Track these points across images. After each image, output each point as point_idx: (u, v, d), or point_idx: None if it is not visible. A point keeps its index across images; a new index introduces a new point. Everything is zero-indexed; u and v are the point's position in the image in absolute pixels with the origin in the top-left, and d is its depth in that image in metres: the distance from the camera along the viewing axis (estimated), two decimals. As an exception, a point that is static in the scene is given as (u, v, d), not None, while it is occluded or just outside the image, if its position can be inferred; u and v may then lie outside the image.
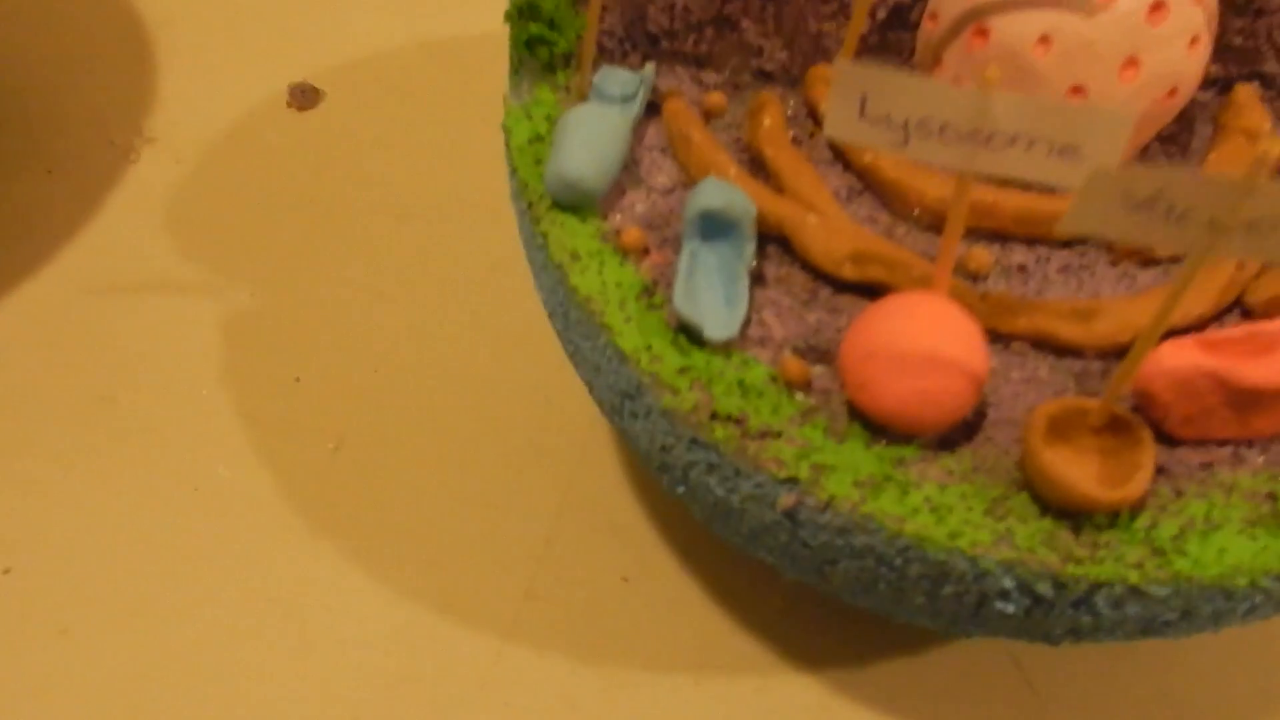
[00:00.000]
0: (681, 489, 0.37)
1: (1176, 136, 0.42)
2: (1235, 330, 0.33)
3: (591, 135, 0.37)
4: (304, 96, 0.66)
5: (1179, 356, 0.32)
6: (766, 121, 0.40)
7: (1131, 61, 0.36)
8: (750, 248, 0.36)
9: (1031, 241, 0.39)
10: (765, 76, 0.42)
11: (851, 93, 0.30)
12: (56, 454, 0.51)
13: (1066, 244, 0.39)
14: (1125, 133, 0.29)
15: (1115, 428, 0.33)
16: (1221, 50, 0.42)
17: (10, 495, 0.50)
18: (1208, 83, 0.43)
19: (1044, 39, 0.36)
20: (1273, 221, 0.24)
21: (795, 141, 0.41)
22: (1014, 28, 0.37)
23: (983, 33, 0.37)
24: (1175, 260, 0.39)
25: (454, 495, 0.50)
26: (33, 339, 0.55)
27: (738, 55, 0.42)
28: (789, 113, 0.42)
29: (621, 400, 0.37)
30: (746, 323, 0.36)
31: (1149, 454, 0.32)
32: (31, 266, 0.58)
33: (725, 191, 0.36)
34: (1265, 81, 0.43)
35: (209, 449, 0.52)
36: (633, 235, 0.36)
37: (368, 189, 0.61)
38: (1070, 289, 0.38)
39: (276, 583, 0.47)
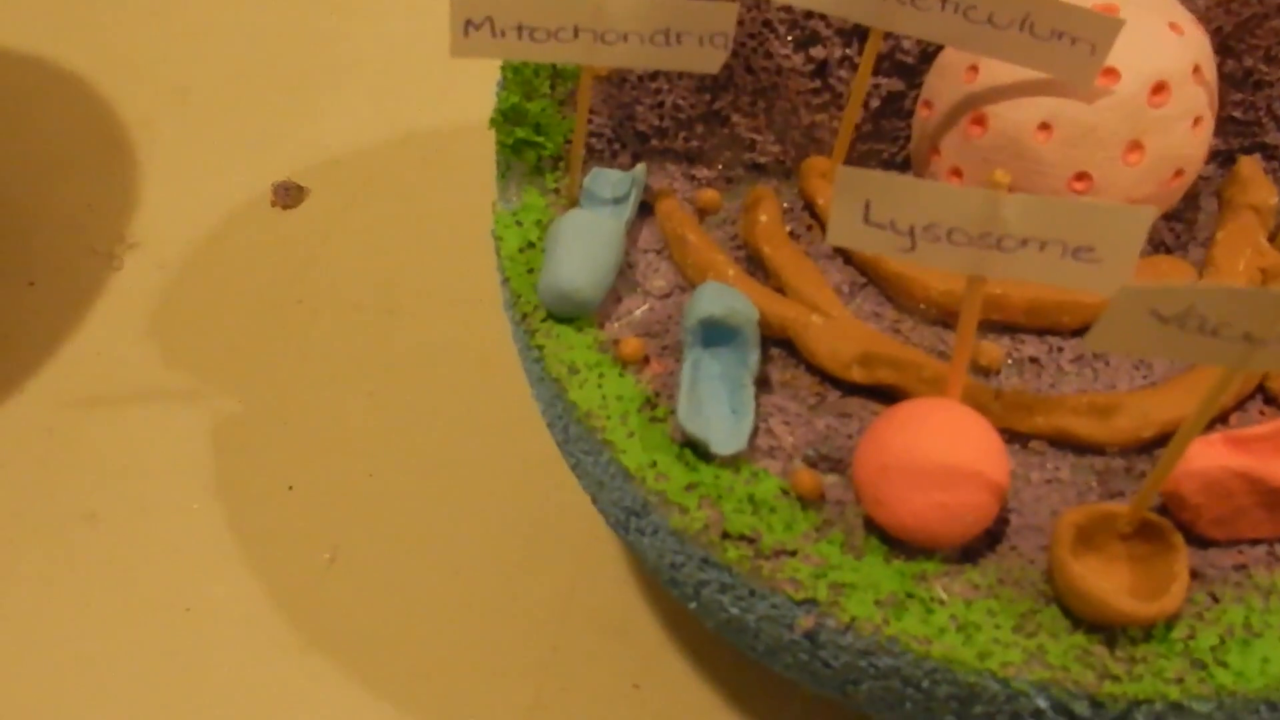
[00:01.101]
0: (694, 605, 0.36)
1: (1181, 213, 0.41)
2: (1263, 427, 0.31)
3: (585, 243, 0.36)
4: (288, 194, 0.65)
5: (1207, 457, 0.31)
6: (763, 218, 0.39)
7: (1135, 145, 0.36)
8: (754, 355, 0.35)
9: (1042, 332, 0.38)
10: (759, 169, 0.41)
11: (854, 198, 0.29)
12: (39, 576, 0.49)
13: (1077, 333, 0.38)
14: (1143, 231, 0.28)
15: (1145, 533, 0.31)
16: (1222, 123, 0.42)
17: (-9, 623, 0.48)
18: (1210, 156, 0.42)
19: (1044, 126, 0.36)
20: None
21: (793, 235, 0.40)
22: (1013, 115, 0.36)
23: (980, 120, 0.37)
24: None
25: (454, 602, 0.49)
26: (14, 456, 0.54)
27: (730, 150, 0.41)
28: (785, 206, 0.41)
29: (628, 516, 0.35)
30: (754, 433, 0.35)
31: (1183, 562, 0.30)
32: (14, 381, 0.57)
33: (725, 297, 0.34)
34: (1267, 153, 0.42)
35: (201, 566, 0.50)
36: (631, 345, 0.35)
37: (355, 285, 0.60)
38: (1085, 380, 0.37)
39: (274, 704, 0.46)
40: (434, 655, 0.47)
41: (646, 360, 0.36)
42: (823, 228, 0.40)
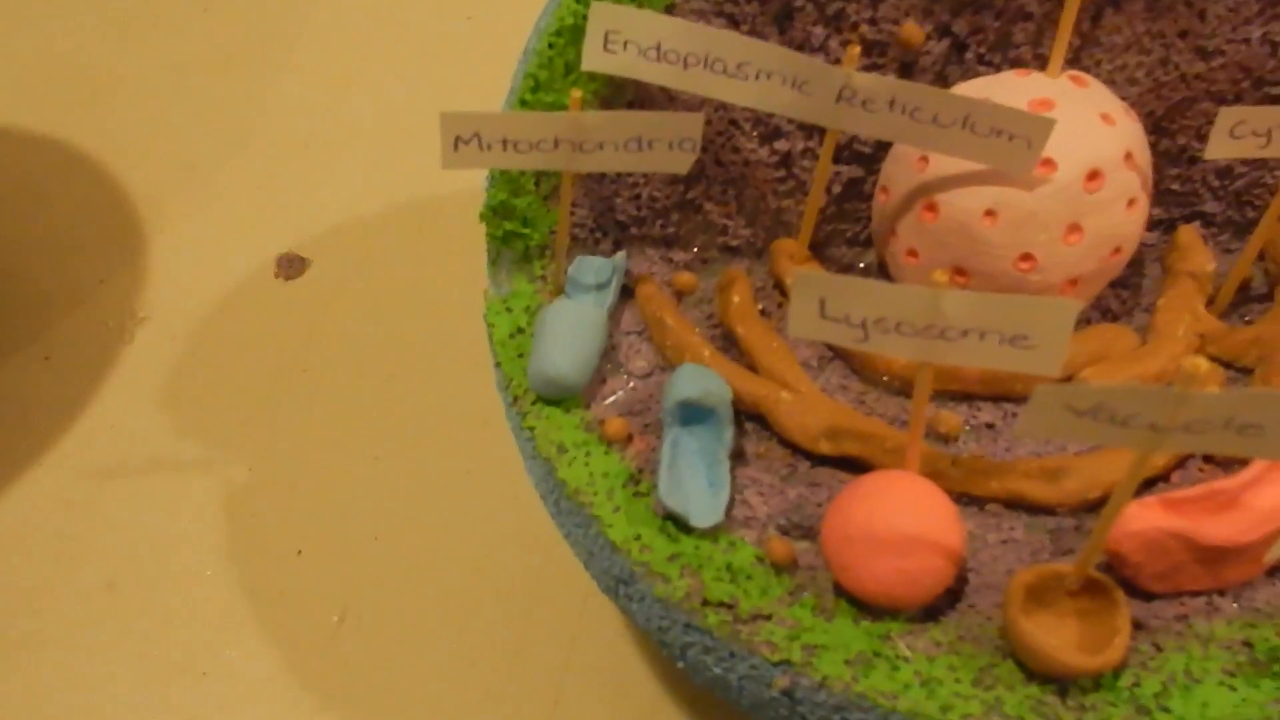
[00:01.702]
0: (681, 664, 0.38)
1: (1127, 280, 0.44)
2: (1195, 490, 0.34)
3: (569, 332, 0.38)
4: (290, 266, 0.68)
5: (1144, 519, 0.34)
6: (735, 299, 0.42)
7: (1074, 227, 0.39)
8: (729, 431, 0.38)
9: (998, 399, 0.41)
10: (732, 251, 0.44)
11: (810, 296, 0.32)
12: (61, 644, 0.52)
13: (1031, 398, 0.41)
14: (1070, 320, 0.31)
15: (1092, 590, 0.34)
16: (1163, 194, 0.45)
17: (17, 687, 0.50)
18: (1153, 224, 0.45)
19: (990, 212, 0.39)
20: (1206, 423, 0.26)
21: (764, 313, 0.43)
22: (961, 202, 0.39)
23: (932, 207, 0.40)
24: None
25: (459, 658, 0.51)
26: (36, 527, 0.56)
27: (704, 234, 0.44)
28: (757, 284, 0.44)
29: (617, 584, 0.38)
30: (731, 504, 0.37)
31: (1124, 617, 0.33)
32: (33, 454, 0.59)
33: (701, 379, 0.37)
34: (1206, 220, 0.45)
35: (216, 630, 0.52)
36: (615, 425, 0.38)
37: (357, 352, 0.63)
38: (1039, 444, 0.40)
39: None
40: (441, 710, 0.49)
41: (630, 438, 0.39)
42: (792, 304, 0.43)
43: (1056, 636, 0.33)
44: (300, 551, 0.55)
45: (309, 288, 0.67)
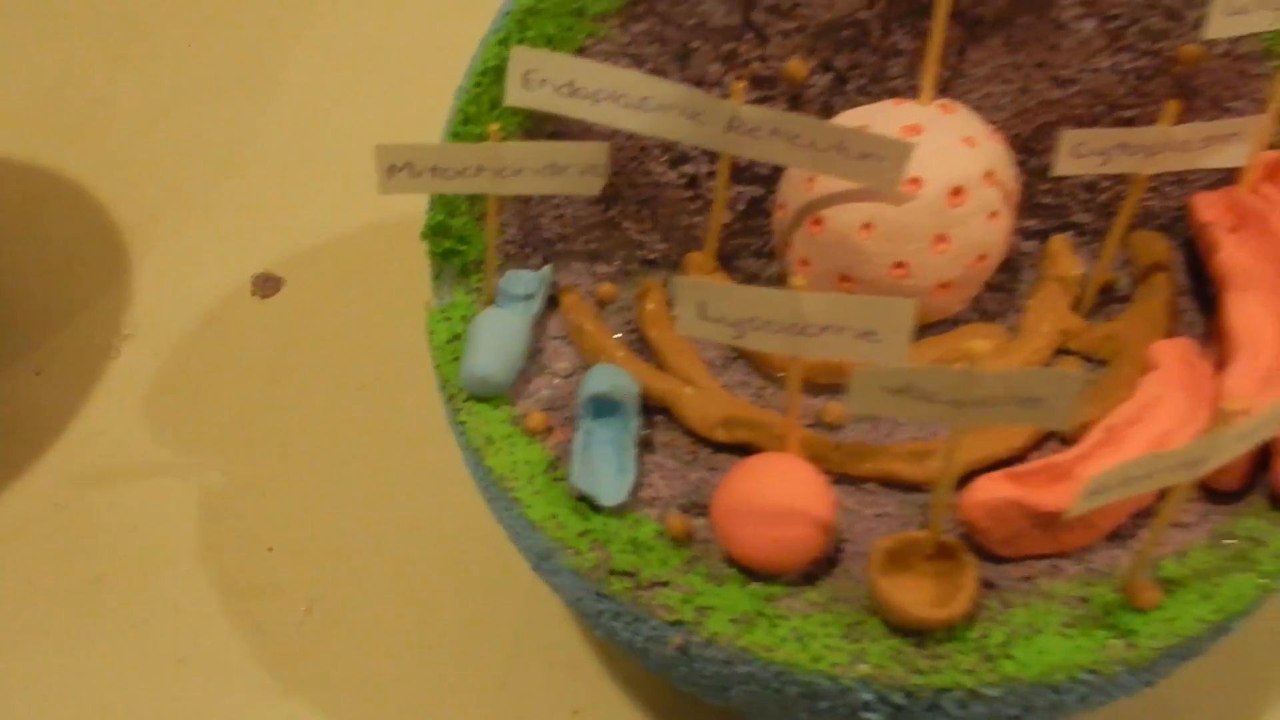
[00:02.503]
0: (598, 632, 0.43)
1: (1004, 284, 0.49)
2: (1034, 464, 0.39)
3: (495, 337, 0.43)
4: (266, 285, 0.73)
5: (988, 490, 0.39)
6: (649, 306, 0.47)
7: (941, 238, 0.43)
8: (634, 422, 0.42)
9: (880, 391, 0.45)
10: (650, 264, 0.49)
11: (692, 300, 0.37)
12: (53, 634, 0.56)
13: (911, 391, 0.46)
14: (908, 318, 0.35)
15: (945, 553, 0.39)
16: (1036, 208, 0.50)
17: (13, 674, 0.55)
18: (1030, 234, 0.50)
19: (867, 225, 0.44)
20: (996, 398, 0.31)
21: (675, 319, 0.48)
22: (842, 217, 0.44)
23: (819, 221, 0.45)
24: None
25: (416, 644, 0.56)
26: (28, 528, 0.61)
27: (624, 249, 0.49)
28: (671, 294, 0.49)
29: (539, 560, 0.43)
30: (638, 486, 0.42)
31: (970, 575, 0.38)
32: (26, 461, 0.64)
33: (610, 377, 0.42)
34: (1078, 229, 0.50)
35: (191, 622, 0.57)
36: (536, 419, 0.43)
37: (327, 364, 0.67)
38: (916, 429, 0.45)
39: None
40: (397, 693, 0.54)
41: (550, 430, 0.44)
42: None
43: (912, 594, 0.38)
44: (271, 549, 0.60)
45: (284, 305, 0.72)
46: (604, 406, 0.43)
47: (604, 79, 0.42)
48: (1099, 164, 0.43)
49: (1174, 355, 0.42)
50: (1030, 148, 0.48)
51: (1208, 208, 0.45)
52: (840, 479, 0.42)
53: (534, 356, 0.46)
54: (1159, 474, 0.33)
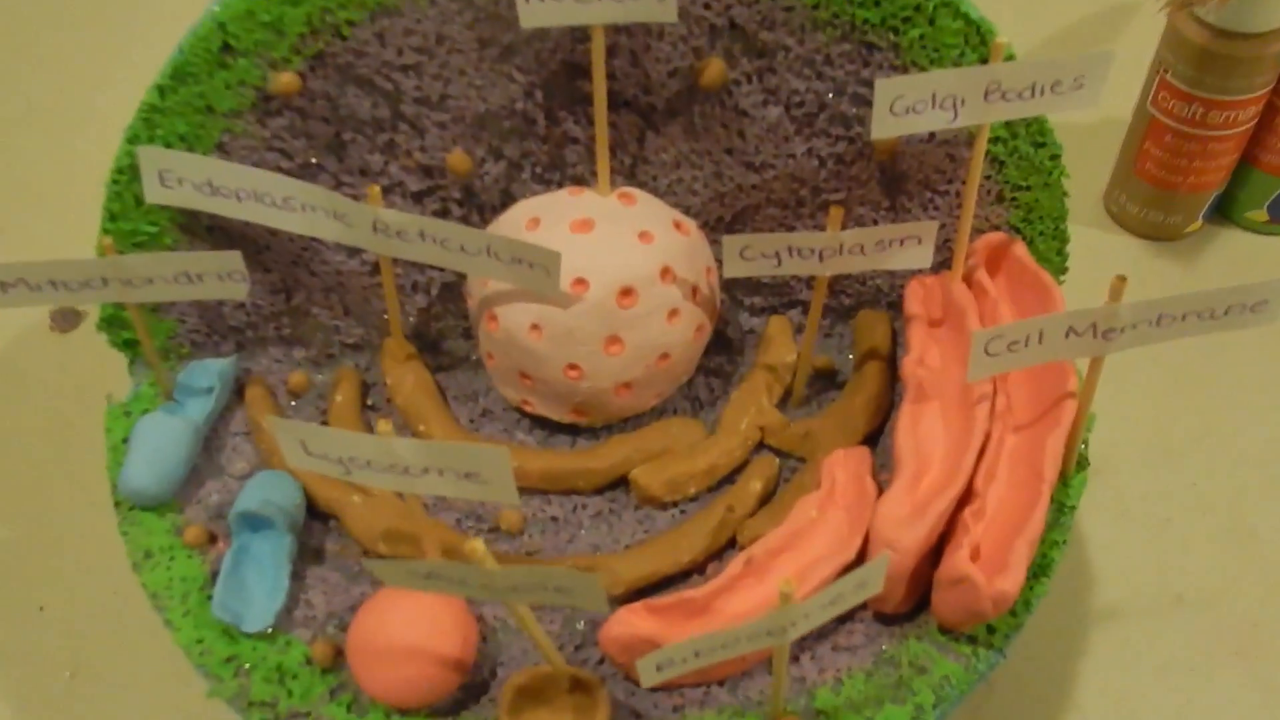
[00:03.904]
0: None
1: (721, 368, 0.47)
2: (670, 598, 0.37)
3: (152, 444, 0.42)
4: (65, 319, 0.71)
5: (623, 624, 0.37)
6: (338, 399, 0.45)
7: (614, 340, 0.41)
8: (288, 539, 0.41)
9: (566, 493, 0.44)
10: (351, 347, 0.47)
11: (293, 439, 0.35)
12: None
13: (599, 492, 0.44)
14: (505, 463, 0.34)
15: (585, 687, 0.37)
16: (759, 287, 0.47)
17: None
18: (758, 312, 0.48)
19: (535, 326, 0.41)
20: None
21: (373, 409, 0.46)
22: (513, 316, 0.42)
23: (493, 319, 0.42)
24: (692, 499, 0.44)
25: (177, 712, 0.55)
26: None
27: (321, 333, 0.47)
28: (374, 380, 0.47)
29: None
30: (294, 604, 0.41)
31: (602, 708, 0.36)
32: None
33: (263, 490, 0.41)
34: (804, 307, 0.48)
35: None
36: (193, 533, 0.41)
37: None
38: (600, 534, 0.43)
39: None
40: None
41: (214, 540, 0.42)
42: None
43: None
44: (42, 608, 0.59)
45: (83, 340, 0.69)
46: (260, 521, 0.41)
47: (242, 180, 0.39)
48: (772, 266, 0.40)
49: (847, 470, 0.40)
50: (735, 229, 0.46)
51: (913, 298, 0.43)
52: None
53: (212, 456, 0.44)
54: (741, 643, 0.32)
